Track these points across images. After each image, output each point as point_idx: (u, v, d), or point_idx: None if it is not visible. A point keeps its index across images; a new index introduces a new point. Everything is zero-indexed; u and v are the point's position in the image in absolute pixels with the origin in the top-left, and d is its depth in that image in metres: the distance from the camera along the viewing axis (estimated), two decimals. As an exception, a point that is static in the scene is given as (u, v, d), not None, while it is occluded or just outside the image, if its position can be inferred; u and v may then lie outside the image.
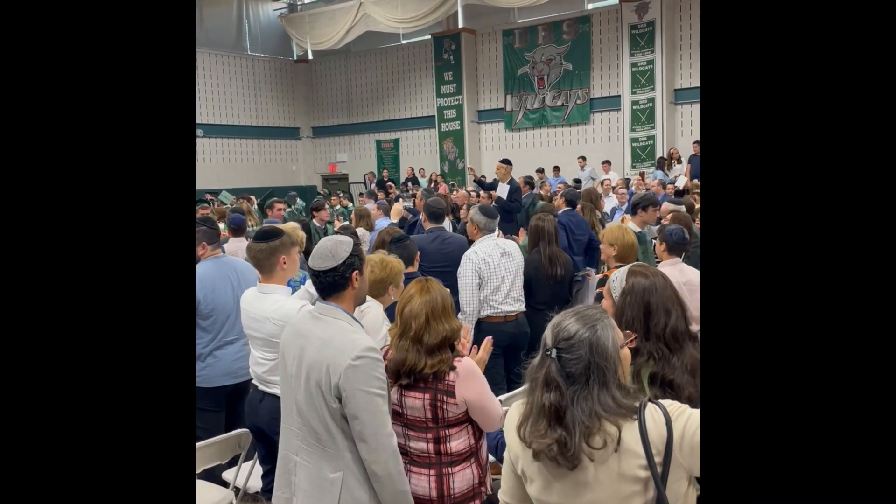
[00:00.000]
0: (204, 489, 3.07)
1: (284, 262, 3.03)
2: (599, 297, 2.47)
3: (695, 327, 2.11)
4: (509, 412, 1.67)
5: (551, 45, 15.55)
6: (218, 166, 17.41)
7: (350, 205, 11.54)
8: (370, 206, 8.13)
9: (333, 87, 19.48)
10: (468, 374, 2.23)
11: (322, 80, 19.64)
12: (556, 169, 13.91)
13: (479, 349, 2.45)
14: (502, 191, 8.00)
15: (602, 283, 3.64)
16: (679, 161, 12.81)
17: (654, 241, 4.47)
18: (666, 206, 5.86)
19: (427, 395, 2.22)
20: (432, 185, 12.96)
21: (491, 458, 2.51)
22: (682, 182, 10.63)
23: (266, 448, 3.02)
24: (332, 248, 2.19)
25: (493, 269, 4.29)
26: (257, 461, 3.19)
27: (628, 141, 14.36)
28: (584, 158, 14.20)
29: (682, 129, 14.15)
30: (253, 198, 11.82)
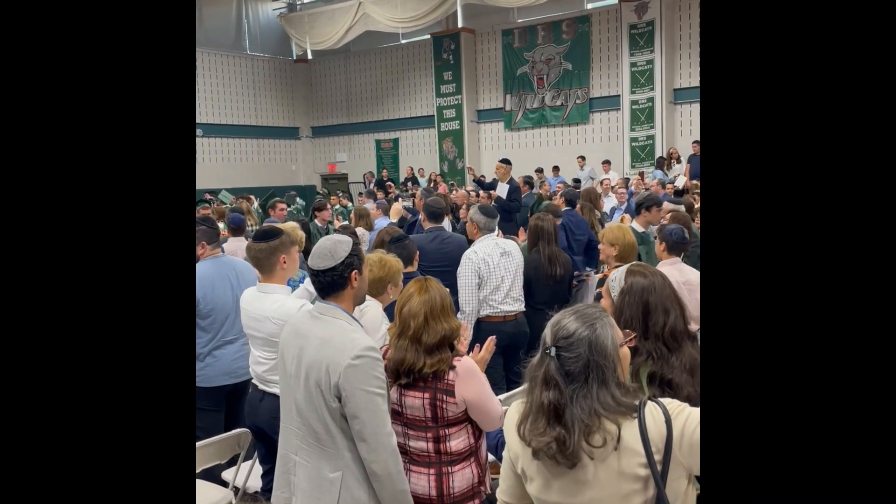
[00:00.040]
0: (203, 489, 3.07)
1: (284, 262, 3.04)
2: (598, 297, 2.47)
3: (694, 327, 2.11)
4: (509, 411, 1.67)
5: (551, 44, 15.55)
6: (217, 166, 17.40)
7: (349, 204, 11.54)
8: (369, 205, 8.13)
9: (333, 86, 19.47)
10: (467, 374, 2.23)
11: (321, 80, 19.63)
12: (556, 169, 13.91)
13: (480, 348, 2.46)
14: (502, 190, 8.00)
15: (602, 282, 3.64)
16: (678, 161, 12.81)
17: (654, 240, 4.47)
18: (665, 205, 5.86)
19: (426, 395, 2.22)
20: (432, 185, 12.95)
21: (490, 457, 2.51)
22: (681, 182, 10.62)
23: (266, 447, 3.03)
24: (331, 248, 2.19)
25: (493, 269, 4.29)
26: (257, 461, 3.20)
27: (628, 141, 14.36)
28: (583, 158, 14.20)
29: (682, 129, 14.15)
30: (252, 197, 11.83)
